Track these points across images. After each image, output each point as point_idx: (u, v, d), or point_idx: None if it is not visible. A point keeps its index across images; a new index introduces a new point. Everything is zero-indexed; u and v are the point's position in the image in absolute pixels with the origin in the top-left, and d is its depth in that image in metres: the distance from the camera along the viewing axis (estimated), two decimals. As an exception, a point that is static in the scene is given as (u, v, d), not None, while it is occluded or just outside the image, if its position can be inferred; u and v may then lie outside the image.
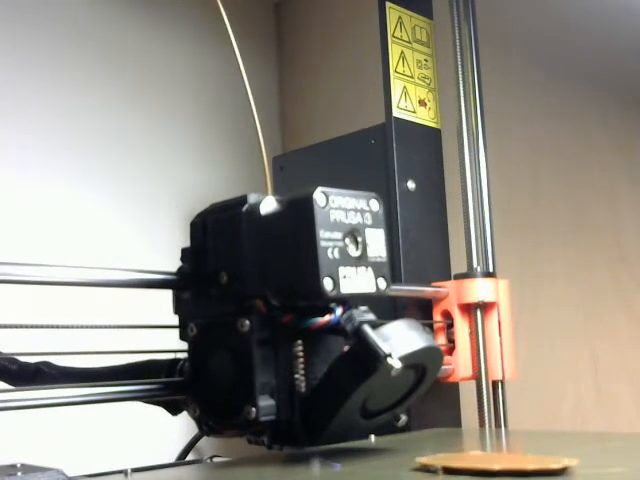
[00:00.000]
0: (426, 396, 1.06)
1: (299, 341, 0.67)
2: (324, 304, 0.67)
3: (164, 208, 1.35)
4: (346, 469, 0.68)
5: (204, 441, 1.23)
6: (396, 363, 0.63)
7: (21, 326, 0.67)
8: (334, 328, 0.67)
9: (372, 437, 0.88)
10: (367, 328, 0.65)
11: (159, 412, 0.80)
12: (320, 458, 0.73)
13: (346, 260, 0.65)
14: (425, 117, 1.21)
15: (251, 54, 1.52)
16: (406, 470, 0.63)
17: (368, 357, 0.64)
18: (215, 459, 1.00)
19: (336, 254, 0.65)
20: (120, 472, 0.71)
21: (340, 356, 0.67)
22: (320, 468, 0.71)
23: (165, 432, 1.27)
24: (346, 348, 0.67)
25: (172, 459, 1.21)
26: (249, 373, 0.67)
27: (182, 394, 0.73)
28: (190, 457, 1.23)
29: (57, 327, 0.69)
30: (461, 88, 1.16)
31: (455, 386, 1.14)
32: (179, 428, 1.26)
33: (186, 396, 0.72)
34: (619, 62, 1.71)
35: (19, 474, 0.60)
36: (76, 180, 1.26)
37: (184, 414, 0.78)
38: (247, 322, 0.67)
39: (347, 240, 0.66)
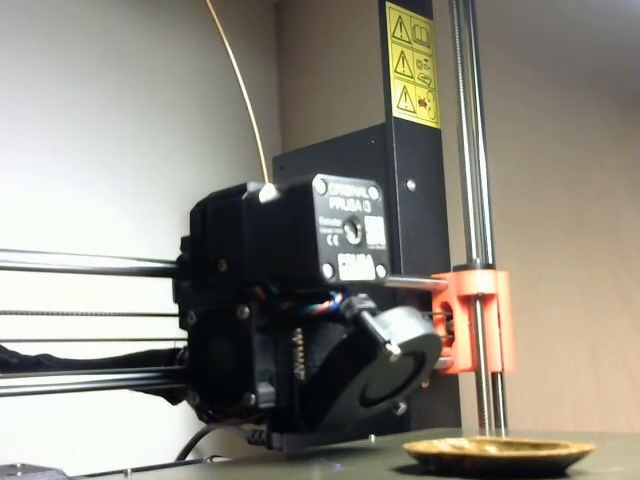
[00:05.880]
0: (426, 394, 1.08)
1: (298, 329, 0.68)
2: (323, 291, 0.67)
3: (164, 209, 1.35)
4: (346, 469, 0.68)
5: (204, 441, 1.23)
6: (395, 350, 0.63)
7: (21, 313, 0.67)
8: (333, 315, 0.67)
9: (372, 437, 0.88)
10: (366, 315, 0.65)
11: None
12: (320, 458, 0.73)
13: (345, 247, 0.66)
14: (425, 117, 1.21)
15: (251, 54, 1.53)
16: (406, 470, 0.63)
17: (367, 344, 0.64)
18: (215, 459, 1.00)
19: (335, 241, 0.65)
20: (120, 472, 0.71)
21: (339, 343, 0.67)
22: (320, 468, 0.70)
23: (165, 432, 1.27)
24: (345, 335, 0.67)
25: (172, 459, 1.21)
26: (248, 360, 0.67)
27: (182, 382, 0.73)
28: (190, 457, 1.22)
29: (57, 314, 0.69)
30: (461, 88, 1.17)
31: (455, 384, 1.14)
32: (179, 428, 1.26)
33: (186, 385, 0.73)
34: (619, 62, 1.71)
35: (19, 474, 0.60)
36: (76, 181, 1.26)
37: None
38: (246, 309, 0.67)
39: (346, 227, 0.66)
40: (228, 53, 0.76)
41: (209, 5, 0.77)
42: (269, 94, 1.57)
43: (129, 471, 0.71)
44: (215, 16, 0.76)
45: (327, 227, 0.64)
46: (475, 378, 1.09)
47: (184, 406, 0.76)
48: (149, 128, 1.37)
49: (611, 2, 1.53)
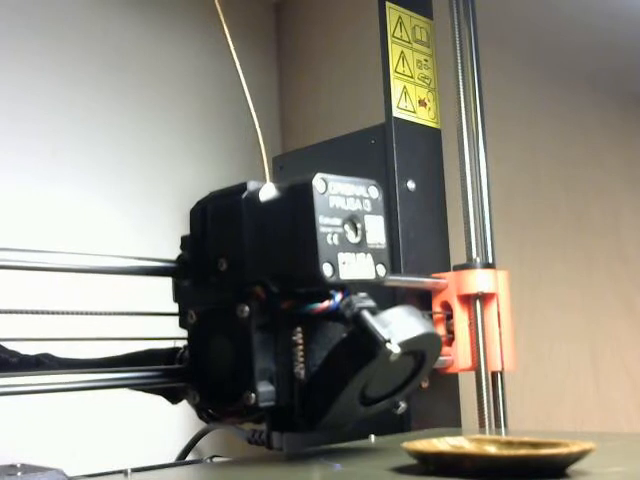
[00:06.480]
0: (426, 394, 1.07)
1: (298, 328, 0.68)
2: (323, 290, 0.67)
3: (164, 209, 1.35)
4: (346, 469, 0.68)
5: (204, 441, 1.23)
6: (395, 348, 0.63)
7: (21, 312, 0.67)
8: (333, 314, 0.67)
9: (372, 437, 0.88)
10: (366, 314, 0.65)
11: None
12: (320, 458, 0.73)
13: (345, 246, 0.66)
14: (425, 117, 1.21)
15: (251, 54, 1.53)
16: (406, 470, 0.63)
17: (367, 343, 0.64)
18: (215, 459, 1.00)
19: (335, 240, 0.65)
20: (120, 472, 0.71)
21: (339, 342, 0.67)
22: (320, 468, 0.70)
23: (165, 432, 1.27)
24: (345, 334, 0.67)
25: (172, 459, 1.21)
26: (248, 359, 0.67)
27: (182, 381, 0.73)
28: (190, 457, 1.22)
29: (57, 313, 0.69)
30: (461, 88, 1.17)
31: (455, 383, 1.14)
32: (179, 428, 1.26)
33: (186, 384, 0.73)
34: (619, 62, 1.72)
35: (19, 474, 0.61)
36: (77, 181, 1.26)
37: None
38: (246, 308, 0.67)
39: (346, 226, 0.67)
40: (231, 52, 0.76)
41: (218, 7, 0.77)
42: (269, 94, 1.57)
43: (129, 471, 0.71)
44: (223, 17, 0.76)
45: (327, 226, 0.64)
46: (475, 377, 1.09)
47: (184, 406, 0.76)
48: (149, 128, 1.37)
49: (611, 2, 1.53)
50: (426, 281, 1.10)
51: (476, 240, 1.12)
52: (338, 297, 0.67)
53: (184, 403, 0.76)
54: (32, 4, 1.25)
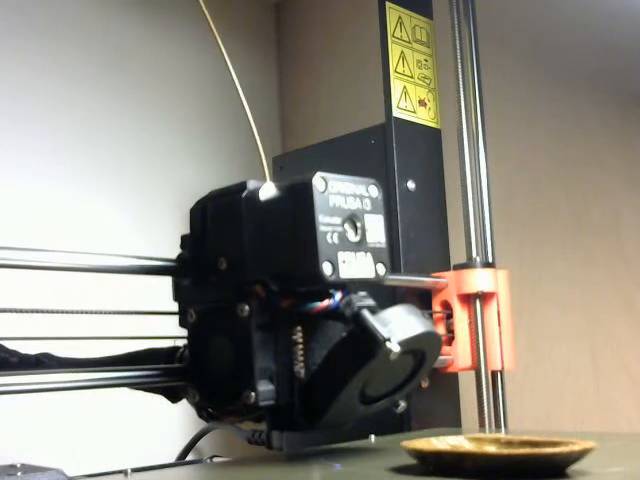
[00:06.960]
0: (426, 394, 1.07)
1: (298, 327, 0.68)
2: (323, 289, 0.67)
3: (164, 208, 1.35)
4: (346, 469, 0.68)
5: (204, 441, 1.23)
6: (395, 347, 0.63)
7: (21, 310, 0.67)
8: (333, 313, 0.67)
9: (372, 437, 0.88)
10: (366, 313, 0.65)
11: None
12: (320, 458, 0.73)
13: (345, 245, 0.66)
14: (425, 117, 1.21)
15: (251, 54, 1.53)
16: (406, 470, 0.63)
17: (367, 341, 0.64)
18: (215, 459, 1.00)
19: (335, 239, 0.65)
20: (120, 472, 0.71)
21: (339, 341, 0.67)
22: (320, 468, 0.71)
23: (165, 432, 1.27)
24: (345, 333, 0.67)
25: (172, 459, 1.21)
26: (248, 358, 0.67)
27: (182, 380, 0.73)
28: (190, 457, 1.22)
29: (57, 312, 0.69)
30: (461, 88, 1.17)
31: (455, 383, 1.14)
32: (179, 428, 1.26)
33: (186, 382, 0.73)
34: (619, 62, 1.72)
35: (19, 474, 0.60)
36: (77, 181, 1.26)
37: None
38: (246, 307, 0.67)
39: (346, 225, 0.66)
40: (223, 54, 0.76)
41: (204, 9, 0.77)
42: (269, 94, 1.57)
43: (129, 471, 0.71)
44: (209, 19, 0.76)
45: (327, 225, 0.64)
46: (475, 377, 1.09)
47: (184, 405, 0.76)
48: (149, 128, 1.37)
49: (611, 2, 1.53)
50: (426, 280, 1.10)
51: (476, 240, 1.12)
52: (338, 296, 0.67)
53: (184, 403, 0.76)
54: (32, 4, 1.25)
